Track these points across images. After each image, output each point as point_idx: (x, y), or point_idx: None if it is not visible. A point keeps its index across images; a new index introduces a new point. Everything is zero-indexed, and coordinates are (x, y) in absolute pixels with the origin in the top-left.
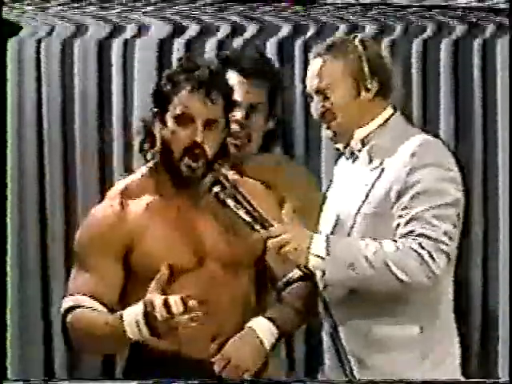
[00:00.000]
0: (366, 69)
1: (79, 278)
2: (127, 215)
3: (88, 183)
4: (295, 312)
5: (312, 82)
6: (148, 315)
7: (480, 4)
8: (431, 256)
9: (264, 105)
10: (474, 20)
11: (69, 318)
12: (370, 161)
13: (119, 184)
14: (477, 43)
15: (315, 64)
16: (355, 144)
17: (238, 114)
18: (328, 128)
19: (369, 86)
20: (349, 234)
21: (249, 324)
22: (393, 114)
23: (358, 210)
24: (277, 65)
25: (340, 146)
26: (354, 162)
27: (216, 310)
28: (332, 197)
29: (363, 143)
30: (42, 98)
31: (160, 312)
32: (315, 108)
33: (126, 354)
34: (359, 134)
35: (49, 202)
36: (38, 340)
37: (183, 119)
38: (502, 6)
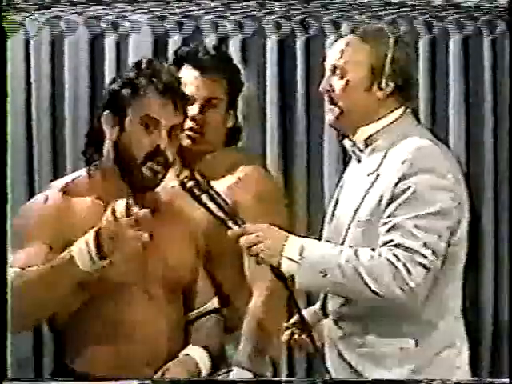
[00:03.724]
0: (388, 68)
1: (15, 256)
2: (70, 211)
3: None
4: (218, 341)
5: (331, 57)
6: (98, 232)
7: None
8: (406, 268)
9: (221, 101)
10: (485, 18)
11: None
12: (370, 164)
13: (58, 182)
14: (487, 41)
15: (342, 41)
16: (359, 144)
17: (192, 109)
18: (330, 110)
19: (383, 85)
20: (344, 239)
21: (187, 351)
22: (401, 116)
23: (353, 216)
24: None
25: (347, 143)
26: (358, 163)
27: (152, 333)
28: (340, 199)
29: (366, 144)
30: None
31: (106, 217)
32: (323, 82)
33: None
34: (363, 132)
35: None
36: (28, 341)
37: (147, 124)
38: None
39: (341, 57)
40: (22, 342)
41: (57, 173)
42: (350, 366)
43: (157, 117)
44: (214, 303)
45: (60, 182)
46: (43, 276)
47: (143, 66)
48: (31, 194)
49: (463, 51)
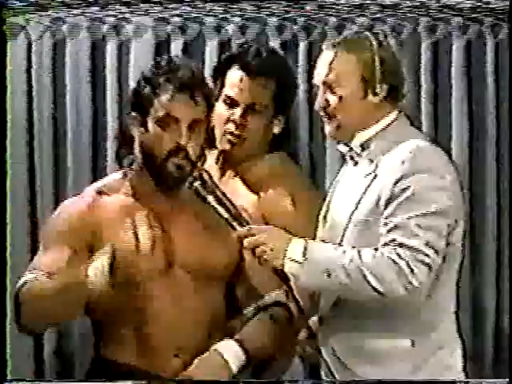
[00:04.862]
0: (378, 72)
1: (41, 257)
2: (98, 209)
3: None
4: (268, 337)
5: (320, 73)
6: (115, 255)
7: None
8: (409, 267)
9: (266, 107)
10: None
11: (23, 289)
12: (367, 166)
13: (95, 184)
14: (490, 44)
15: (327, 55)
16: (355, 148)
17: (235, 113)
18: (328, 123)
19: (377, 89)
20: (341, 241)
21: (216, 346)
22: (396, 118)
23: (350, 217)
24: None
25: (343, 148)
26: (354, 166)
27: (180, 322)
28: (334, 201)
29: (363, 147)
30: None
31: (127, 236)
32: (318, 100)
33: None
34: (360, 137)
35: (39, 206)
36: (28, 341)
37: (167, 122)
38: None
39: (330, 72)
40: (21, 342)
41: (58, 173)
42: (345, 365)
43: (175, 114)
44: (273, 297)
45: (97, 184)
46: (55, 293)
47: (162, 63)
48: (31, 195)
49: (466, 55)
